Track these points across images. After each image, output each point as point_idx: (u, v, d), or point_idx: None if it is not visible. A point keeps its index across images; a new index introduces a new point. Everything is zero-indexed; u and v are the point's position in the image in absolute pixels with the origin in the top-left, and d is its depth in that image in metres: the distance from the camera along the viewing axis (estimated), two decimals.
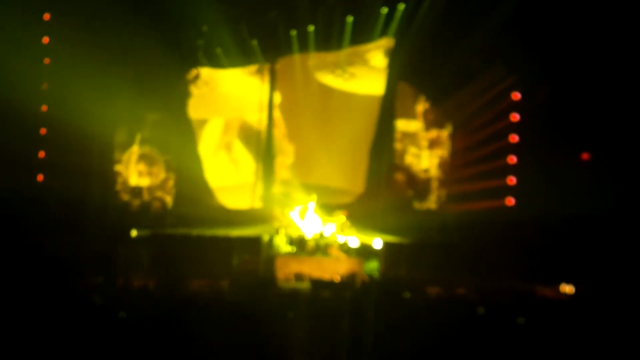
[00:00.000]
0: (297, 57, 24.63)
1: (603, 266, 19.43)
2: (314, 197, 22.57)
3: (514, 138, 23.22)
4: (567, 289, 19.28)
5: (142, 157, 24.39)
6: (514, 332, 12.48)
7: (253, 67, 24.79)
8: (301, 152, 24.82)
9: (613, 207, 19.29)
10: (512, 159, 23.15)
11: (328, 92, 24.94)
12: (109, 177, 23.70)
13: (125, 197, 23.94)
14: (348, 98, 24.93)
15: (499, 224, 21.79)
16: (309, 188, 23.77)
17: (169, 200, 24.32)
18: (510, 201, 23.08)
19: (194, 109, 24.61)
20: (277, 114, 24.87)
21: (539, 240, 21.04)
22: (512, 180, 23.20)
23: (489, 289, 17.69)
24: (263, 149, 24.62)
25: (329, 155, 24.60)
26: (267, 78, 24.67)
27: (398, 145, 24.95)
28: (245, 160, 24.80)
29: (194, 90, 24.53)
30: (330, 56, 24.73)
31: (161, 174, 24.30)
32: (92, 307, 13.34)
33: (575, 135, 21.23)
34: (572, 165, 21.32)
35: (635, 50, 19.87)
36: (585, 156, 21.87)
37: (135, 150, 24.25)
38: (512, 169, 23.21)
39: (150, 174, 24.31)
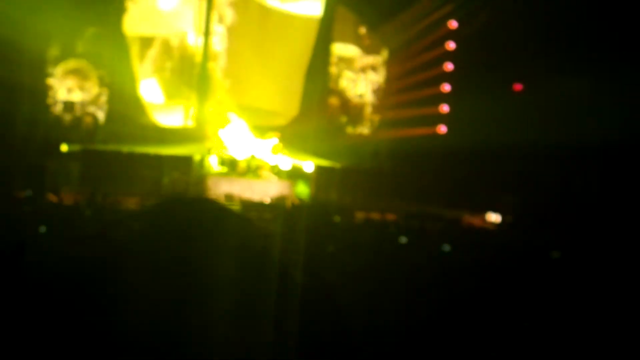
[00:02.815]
0: None
1: (530, 197, 19.74)
2: (248, 118, 22.47)
3: (449, 66, 23.31)
4: (494, 218, 19.55)
5: (75, 72, 23.94)
6: (438, 257, 12.64)
7: None
8: (236, 73, 24.59)
9: (543, 138, 19.49)
10: (446, 87, 23.26)
11: (265, 11, 24.67)
12: (39, 91, 23.23)
13: (56, 111, 23.54)
14: (285, 19, 24.71)
15: (430, 152, 21.93)
16: (242, 109, 23.66)
17: (101, 116, 23.97)
18: (442, 129, 23.25)
19: (130, 25, 24.14)
20: (213, 32, 24.52)
21: (468, 169, 21.24)
22: (444, 108, 23.34)
23: (418, 215, 17.88)
24: (198, 68, 24.32)
25: (264, 76, 24.46)
26: None
27: (333, 69, 24.87)
28: (180, 79, 24.50)
29: (131, 5, 24.03)
30: None
31: (94, 89, 23.90)
32: (17, 220, 13.20)
33: (508, 66, 21.33)
34: (504, 95, 21.46)
35: None
36: (517, 87, 22.04)
37: (68, 64, 23.80)
38: (445, 97, 23.33)
39: (82, 88, 23.89)
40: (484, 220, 19.56)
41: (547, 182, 20.37)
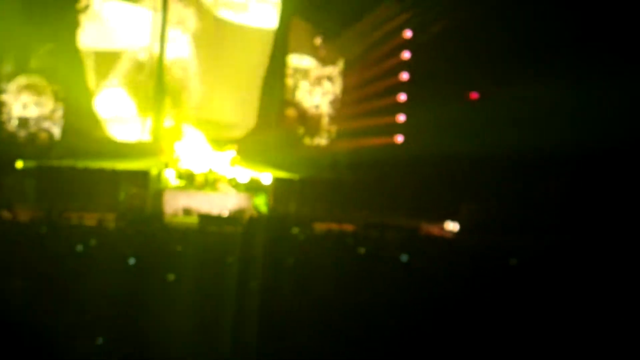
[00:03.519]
0: None
1: (487, 205, 19.87)
2: (205, 130, 22.44)
3: (404, 76, 23.42)
4: (452, 227, 19.62)
5: (30, 87, 23.76)
6: (397, 267, 12.68)
7: None
8: (192, 86, 24.52)
9: (499, 146, 19.64)
10: (402, 97, 23.36)
11: (221, 25, 24.65)
12: None
13: (11, 127, 23.33)
14: (240, 31, 24.70)
15: (387, 161, 22.01)
16: (199, 122, 23.63)
17: (56, 131, 23.79)
18: (399, 139, 23.34)
19: (85, 39, 23.98)
20: (169, 46, 24.43)
21: (425, 178, 21.34)
22: (401, 118, 23.43)
23: (376, 225, 17.90)
24: (154, 81, 24.22)
25: (220, 89, 24.43)
26: (160, 9, 24.18)
27: (290, 81, 24.88)
28: (135, 93, 24.38)
29: (85, 19, 23.89)
30: None
31: (49, 105, 23.71)
32: None
33: (464, 75, 21.47)
34: (460, 104, 21.59)
35: None
36: (473, 95, 22.19)
37: (22, 80, 23.61)
38: (401, 107, 23.43)
39: (37, 104, 23.71)
40: (442, 228, 19.63)
41: (505, 190, 20.52)
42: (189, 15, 24.48)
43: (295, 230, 16.84)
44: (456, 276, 11.21)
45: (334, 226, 18.58)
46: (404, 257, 13.15)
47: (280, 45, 24.73)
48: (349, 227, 18.31)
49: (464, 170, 20.65)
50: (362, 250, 14.21)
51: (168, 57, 24.37)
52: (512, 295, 9.82)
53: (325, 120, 24.99)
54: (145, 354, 7.33)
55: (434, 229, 19.18)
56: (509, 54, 20.53)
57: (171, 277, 10.11)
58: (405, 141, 23.25)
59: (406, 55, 23.45)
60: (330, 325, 8.23)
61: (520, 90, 19.99)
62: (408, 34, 23.42)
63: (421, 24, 22.94)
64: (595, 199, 19.25)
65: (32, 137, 23.65)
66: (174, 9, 24.47)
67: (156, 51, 24.18)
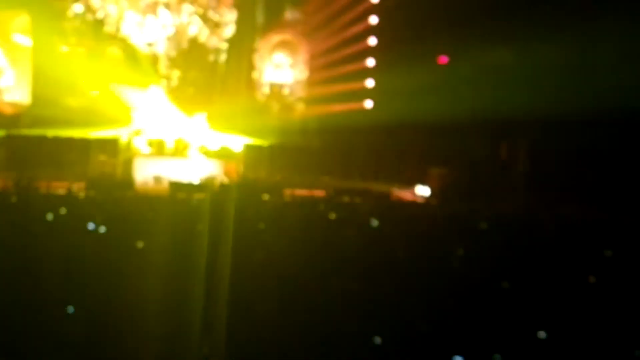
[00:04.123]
0: None
1: (457, 169, 19.96)
2: (174, 99, 22.39)
3: (372, 41, 23.42)
4: (422, 192, 19.72)
5: None
6: (367, 232, 12.74)
7: None
8: (162, 55, 24.44)
9: (469, 110, 19.70)
10: (370, 62, 23.37)
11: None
12: None
13: None
14: None
15: (357, 127, 22.01)
16: (169, 90, 23.58)
17: (24, 99, 23.66)
18: (368, 104, 23.37)
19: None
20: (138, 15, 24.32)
21: (395, 143, 21.38)
22: (370, 83, 23.45)
23: (347, 190, 17.98)
24: (124, 49, 24.12)
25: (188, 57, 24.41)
26: None
27: (257, 48, 24.83)
28: (106, 61, 24.24)
29: None
30: None
31: (17, 72, 23.59)
32: None
33: (433, 40, 21.46)
34: (429, 69, 21.59)
35: None
36: (442, 60, 22.21)
37: None
38: (370, 72, 23.44)
39: (4, 73, 23.57)
40: (412, 193, 19.72)
41: (474, 155, 20.61)
42: None
43: (265, 196, 16.88)
44: (426, 240, 11.29)
45: (305, 192, 18.65)
46: (374, 222, 13.24)
47: (247, 15, 24.66)
48: (319, 193, 18.38)
49: (434, 135, 20.69)
50: (332, 215, 14.28)
51: (138, 27, 24.26)
52: (481, 259, 9.91)
53: (293, 87, 24.97)
54: (116, 321, 7.36)
55: (404, 194, 19.28)
56: (477, 16, 20.50)
57: (140, 244, 10.12)
58: (375, 107, 23.28)
59: (373, 20, 23.43)
60: (300, 292, 8.27)
61: (489, 53, 20.01)
62: None
63: None
64: (564, 162, 19.37)
65: (1, 106, 23.50)
66: None
67: (126, 20, 24.06)
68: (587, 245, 10.64)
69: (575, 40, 18.41)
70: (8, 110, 23.55)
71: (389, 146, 21.60)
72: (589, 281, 9.02)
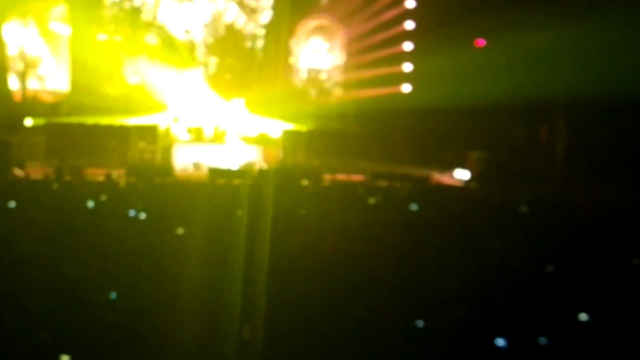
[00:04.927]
0: None
1: (497, 153, 19.85)
2: (213, 86, 22.47)
3: (409, 25, 23.33)
4: (462, 176, 19.64)
5: (37, 46, 23.83)
6: (407, 216, 12.72)
7: None
8: (198, 43, 24.55)
9: (507, 93, 19.55)
10: (408, 46, 23.29)
11: None
12: (1, 66, 23.07)
13: (21, 85, 23.38)
14: None
15: (395, 111, 21.95)
16: (207, 76, 23.67)
17: (64, 88, 23.86)
18: (406, 88, 23.30)
19: None
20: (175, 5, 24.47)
21: (434, 127, 21.30)
22: (407, 67, 23.37)
23: (385, 175, 17.96)
24: (163, 38, 24.25)
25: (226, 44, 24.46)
26: None
27: (294, 34, 24.82)
28: (143, 49, 24.37)
29: None
30: None
31: (58, 61, 23.80)
32: None
33: (470, 23, 21.31)
34: (467, 52, 21.46)
35: None
36: (480, 43, 22.06)
37: (29, 38, 23.65)
38: (407, 56, 23.36)
39: (44, 62, 23.79)
40: (451, 177, 19.65)
41: (514, 138, 20.50)
42: None
43: (304, 181, 16.91)
44: (467, 224, 11.25)
45: (343, 177, 18.65)
46: (414, 207, 13.23)
47: (284, 3, 24.65)
48: (358, 178, 18.38)
49: (472, 118, 20.56)
50: (371, 200, 14.28)
51: (175, 14, 24.38)
52: (522, 242, 9.86)
53: (330, 72, 24.95)
54: (156, 307, 7.40)
55: (443, 178, 19.23)
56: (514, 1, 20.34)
57: (180, 230, 10.18)
58: (412, 90, 23.20)
59: (410, 3, 23.34)
60: (339, 276, 8.27)
61: (529, 35, 19.84)
62: None
63: None
64: (603, 144, 19.21)
65: (41, 95, 23.73)
66: None
67: (163, 7, 24.18)
68: (629, 228, 10.55)
69: (616, 20, 18.20)
70: (48, 99, 23.76)
71: (428, 130, 21.51)
72: (633, 264, 8.96)
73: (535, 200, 13.99)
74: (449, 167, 20.07)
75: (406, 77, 23.36)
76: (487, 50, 21.78)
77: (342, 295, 7.66)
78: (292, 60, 24.73)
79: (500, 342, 6.53)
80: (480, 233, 10.63)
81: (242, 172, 17.78)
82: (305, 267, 8.65)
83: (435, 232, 10.75)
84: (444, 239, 10.23)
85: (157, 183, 16.74)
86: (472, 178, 19.33)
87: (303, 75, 24.77)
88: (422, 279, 8.22)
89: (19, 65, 23.39)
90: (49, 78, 23.90)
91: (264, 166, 19.54)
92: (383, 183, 17.09)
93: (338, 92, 24.76)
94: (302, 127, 22.37)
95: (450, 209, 13.38)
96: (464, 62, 20.47)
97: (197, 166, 19.77)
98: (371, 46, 23.74)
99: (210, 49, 24.44)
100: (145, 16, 24.35)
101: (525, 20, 19.67)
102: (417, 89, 22.97)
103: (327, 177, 17.84)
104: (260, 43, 24.56)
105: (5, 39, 23.28)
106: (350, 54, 24.64)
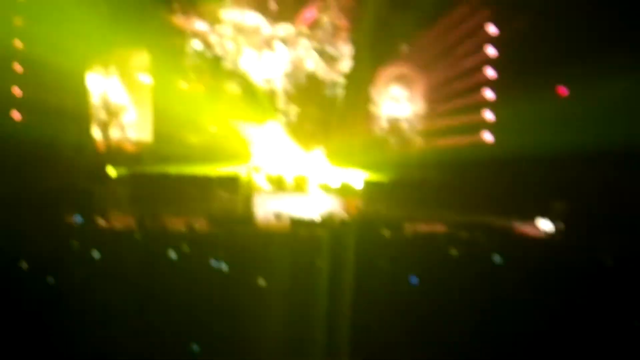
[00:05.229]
0: None
1: (580, 203, 19.54)
2: (293, 136, 22.62)
3: (490, 72, 23.25)
4: (545, 226, 19.37)
5: (120, 95, 24.29)
6: (490, 269, 12.57)
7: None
8: (280, 93, 24.79)
9: (590, 141, 19.33)
10: (489, 94, 23.19)
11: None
12: (85, 115, 23.53)
13: (103, 135, 23.81)
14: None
15: (476, 160, 21.80)
16: (288, 127, 23.86)
17: (147, 137, 24.24)
18: (487, 137, 23.16)
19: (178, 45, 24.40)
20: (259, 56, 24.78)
21: (516, 176, 21.08)
22: (488, 115, 23.26)
23: (467, 225, 17.78)
24: (245, 87, 24.55)
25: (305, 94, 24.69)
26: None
27: (374, 84, 24.92)
28: (225, 99, 24.68)
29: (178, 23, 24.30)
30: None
31: (139, 111, 24.21)
32: (69, 247, 13.37)
33: (552, 70, 21.18)
34: (549, 100, 21.31)
35: None
36: (562, 91, 21.88)
37: (112, 87, 24.12)
38: (489, 104, 23.25)
39: (126, 111, 24.22)
40: (534, 227, 19.39)
41: (597, 187, 20.14)
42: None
43: (385, 232, 16.83)
44: (551, 277, 11.06)
45: (424, 227, 18.52)
46: (497, 258, 13.05)
47: (363, 48, 24.78)
48: (439, 228, 18.24)
49: (555, 167, 20.32)
50: (453, 251, 14.14)
51: (256, 63, 24.67)
52: (607, 299, 9.65)
53: (411, 120, 24.95)
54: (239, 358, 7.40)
55: (526, 229, 18.97)
56: (597, 47, 20.15)
57: (262, 281, 10.20)
58: (494, 139, 23.06)
59: (491, 51, 23.26)
60: (421, 327, 8.20)
61: (613, 83, 19.63)
62: (491, 29, 23.23)
63: (505, 19, 22.74)
64: None
65: (124, 144, 24.13)
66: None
67: (244, 56, 24.48)
68: None
69: None
70: (130, 148, 24.14)
71: (509, 179, 21.29)
72: None
73: (622, 253, 13.70)
74: (532, 216, 19.80)
75: (487, 126, 23.23)
76: (570, 98, 21.59)
77: (425, 346, 7.62)
78: (372, 108, 24.80)
79: None
80: (565, 286, 10.46)
81: (323, 222, 17.78)
82: (386, 317, 8.62)
83: (518, 285, 10.61)
84: (527, 291, 10.09)
85: (238, 232, 16.84)
86: (556, 228, 19.06)
87: (383, 123, 24.82)
88: (504, 331, 8.12)
89: (102, 115, 23.84)
90: (131, 127, 24.32)
91: (345, 216, 19.53)
92: (464, 233, 16.91)
93: (418, 141, 24.71)
94: (382, 177, 22.33)
95: (533, 261, 13.19)
96: (546, 109, 20.32)
97: (278, 216, 19.83)
98: (452, 94, 23.71)
99: (291, 97, 24.63)
100: (227, 65, 24.67)
101: (608, 67, 19.46)
102: (499, 137, 22.81)
103: (408, 227, 17.74)
104: (340, 91, 24.70)
105: (88, 87, 23.78)
106: (431, 102, 24.62)
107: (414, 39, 24.47)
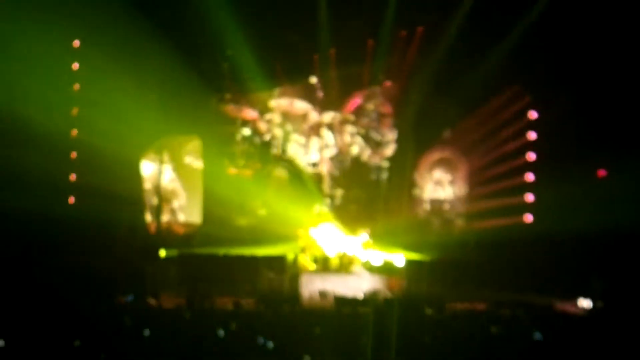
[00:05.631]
0: None
1: (621, 282, 19.63)
2: (338, 218, 23.03)
3: (531, 156, 23.58)
4: (585, 304, 19.47)
5: (172, 180, 24.97)
6: (531, 347, 12.79)
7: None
8: (325, 178, 25.30)
9: (630, 224, 19.53)
10: (530, 177, 23.50)
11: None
12: (137, 199, 24.13)
13: (155, 217, 24.36)
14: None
15: (517, 241, 22.03)
16: (334, 207, 24.32)
17: (196, 220, 24.81)
18: (528, 218, 23.42)
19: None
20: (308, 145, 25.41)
21: (556, 256, 21.24)
22: (529, 197, 23.54)
23: (508, 303, 17.97)
24: (292, 173, 25.09)
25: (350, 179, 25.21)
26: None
27: (419, 165, 25.31)
28: (272, 183, 25.21)
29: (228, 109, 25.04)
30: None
31: (191, 193, 24.85)
32: (121, 327, 13.84)
33: (591, 152, 21.47)
34: (588, 181, 21.57)
35: None
36: (601, 173, 22.13)
37: (164, 172, 24.77)
38: (529, 187, 23.54)
39: (178, 195, 24.85)
40: (574, 306, 19.51)
41: (635, 266, 20.24)
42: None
43: (428, 310, 17.10)
44: (592, 356, 11.25)
45: (466, 306, 18.75)
46: (538, 336, 13.28)
47: (407, 134, 25.22)
48: (480, 307, 18.45)
49: (595, 247, 20.49)
50: (494, 329, 14.36)
51: (303, 148, 25.26)
52: None
53: (453, 203, 25.26)
54: None
55: (566, 307, 19.10)
56: (634, 129, 20.48)
57: (308, 358, 10.53)
58: (534, 219, 23.30)
59: (532, 135, 23.64)
60: None
61: None
62: (533, 114, 23.64)
63: (545, 105, 23.13)
64: None
65: (174, 226, 24.73)
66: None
67: (292, 142, 25.10)
68: None
69: None
70: (181, 230, 24.72)
71: (549, 258, 21.45)
72: None
73: None
74: (572, 295, 19.93)
75: (528, 208, 23.50)
76: (609, 179, 21.85)
77: None
78: (415, 191, 25.22)
79: None
80: None
81: (367, 301, 18.02)
82: None
83: None
84: None
85: (284, 311, 17.19)
86: (596, 306, 19.16)
87: (426, 206, 25.20)
88: None
89: (154, 199, 24.46)
90: (182, 210, 24.94)
91: (388, 295, 19.76)
92: (505, 311, 17.13)
93: (460, 223, 25.03)
94: (425, 257, 22.54)
95: (574, 338, 13.36)
96: (586, 191, 20.59)
97: (323, 295, 20.09)
98: (493, 177, 24.04)
99: (337, 181, 25.14)
100: (274, 150, 25.28)
101: None
102: (539, 217, 23.06)
103: (450, 305, 17.98)
104: (384, 175, 25.17)
105: (142, 173, 24.48)
106: (472, 185, 24.97)
107: (456, 124, 24.95)
